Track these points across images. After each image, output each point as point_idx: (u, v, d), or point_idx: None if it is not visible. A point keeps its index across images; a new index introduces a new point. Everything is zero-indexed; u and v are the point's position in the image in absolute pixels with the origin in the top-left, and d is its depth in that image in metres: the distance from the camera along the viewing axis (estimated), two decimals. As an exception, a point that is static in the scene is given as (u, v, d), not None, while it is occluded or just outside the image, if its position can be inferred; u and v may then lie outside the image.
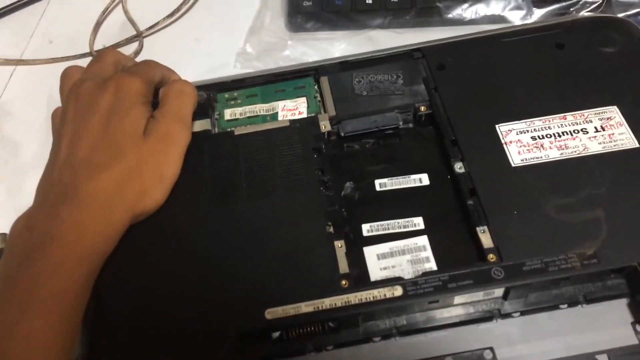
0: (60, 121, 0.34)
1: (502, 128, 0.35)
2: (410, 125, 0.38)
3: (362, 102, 0.38)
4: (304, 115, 0.38)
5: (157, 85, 0.37)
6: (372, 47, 0.45)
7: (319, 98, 0.39)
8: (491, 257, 0.30)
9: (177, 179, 0.34)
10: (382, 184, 0.35)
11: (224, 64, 0.46)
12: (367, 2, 0.45)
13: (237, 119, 0.39)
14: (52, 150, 0.34)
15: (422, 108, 0.37)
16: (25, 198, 0.33)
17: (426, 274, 0.30)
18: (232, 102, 0.40)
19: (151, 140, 0.33)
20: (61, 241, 0.29)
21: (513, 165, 0.33)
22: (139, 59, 0.47)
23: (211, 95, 0.40)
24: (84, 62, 0.47)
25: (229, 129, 0.38)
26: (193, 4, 0.50)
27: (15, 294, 0.28)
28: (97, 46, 0.48)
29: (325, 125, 0.37)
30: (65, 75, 0.36)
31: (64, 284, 0.28)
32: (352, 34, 0.46)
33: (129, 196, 0.31)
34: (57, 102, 0.36)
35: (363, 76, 0.40)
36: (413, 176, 0.35)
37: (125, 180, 0.32)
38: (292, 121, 0.38)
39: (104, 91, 0.33)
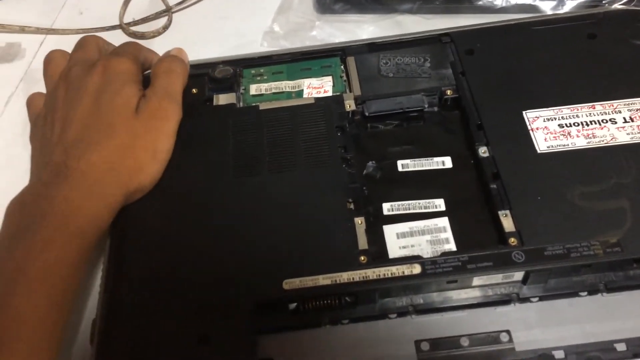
0: (48, 106, 0.35)
1: (529, 114, 0.35)
2: (435, 108, 0.38)
3: (388, 84, 0.38)
4: (329, 94, 0.38)
5: (142, 66, 0.38)
6: (400, 31, 0.45)
7: (344, 78, 0.39)
8: (512, 240, 0.30)
9: (201, 150, 0.35)
10: (405, 165, 0.35)
11: (250, 42, 0.46)
12: (397, -15, 0.45)
13: (262, 95, 0.39)
14: (37, 134, 0.35)
15: (448, 92, 0.37)
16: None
17: (445, 254, 0.30)
18: (258, 78, 0.40)
19: (143, 117, 0.34)
20: (52, 218, 0.29)
21: (539, 151, 0.33)
22: (167, 34, 0.48)
23: (237, 70, 0.40)
24: (114, 35, 0.48)
25: (254, 104, 0.38)
26: (222, -18, 0.50)
27: (5, 270, 0.28)
28: (127, 19, 0.49)
29: (350, 104, 0.37)
30: (49, 60, 0.38)
31: (53, 261, 0.28)
32: (380, 18, 0.46)
33: (122, 173, 0.32)
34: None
35: (390, 58, 0.39)
36: (436, 159, 0.35)
37: (118, 157, 0.32)
38: (317, 99, 0.38)
39: (92, 73, 0.34)
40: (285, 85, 0.39)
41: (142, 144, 0.33)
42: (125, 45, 0.38)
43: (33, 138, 0.37)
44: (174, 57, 0.38)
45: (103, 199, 0.31)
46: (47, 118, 0.34)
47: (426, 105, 0.37)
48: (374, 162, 0.36)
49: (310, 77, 0.39)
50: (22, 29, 0.48)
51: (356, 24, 0.46)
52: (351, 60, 0.40)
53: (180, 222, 0.33)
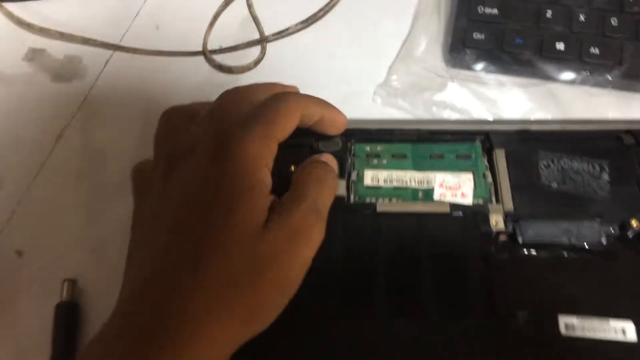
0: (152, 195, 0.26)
1: None
2: (616, 243, 0.28)
3: (550, 198, 0.29)
4: (469, 199, 0.29)
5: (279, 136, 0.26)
6: (555, 105, 0.35)
7: (489, 179, 0.30)
8: None
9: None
10: (569, 326, 0.26)
11: (358, 94, 0.37)
12: (557, 47, 0.35)
13: (379, 188, 0.30)
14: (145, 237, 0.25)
15: (634, 223, 0.28)
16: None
17: None
18: (375, 162, 0.31)
19: (275, 236, 0.23)
20: None
21: None
22: (258, 69, 0.39)
23: (349, 144, 0.31)
24: (194, 63, 0.40)
25: (368, 200, 0.29)
26: (329, 9, 0.41)
27: None
28: (212, 44, 0.40)
29: (497, 222, 0.28)
30: (167, 120, 0.28)
31: None
32: (529, 83, 0.36)
33: (235, 320, 0.22)
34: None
35: (553, 159, 0.30)
36: (613, 322, 0.26)
37: (229, 299, 0.22)
38: (454, 206, 0.29)
39: (211, 163, 0.24)
40: (411, 177, 0.30)
41: (270, 275, 0.23)
42: (252, 94, 0.27)
43: (140, 234, 0.26)
44: (325, 164, 0.28)
45: None
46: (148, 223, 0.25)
47: (604, 240, 0.28)
48: (525, 311, 0.27)
49: (444, 170, 0.30)
50: (85, 41, 0.40)
51: (499, 90, 0.36)
52: (501, 155, 0.30)
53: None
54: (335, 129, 0.29)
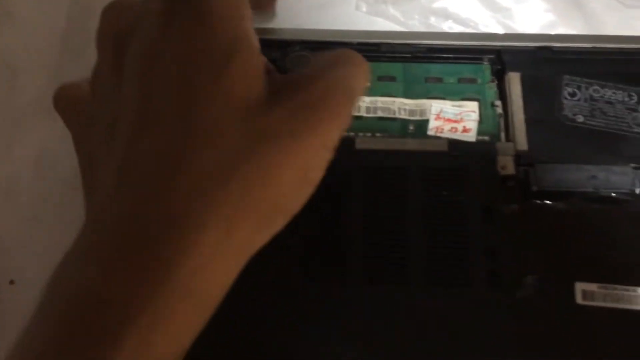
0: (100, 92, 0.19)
1: None
2: (646, 192, 0.23)
3: (574, 136, 0.23)
4: (472, 135, 0.23)
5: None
6: (582, 18, 0.28)
7: (499, 110, 0.24)
8: None
9: None
10: (588, 294, 0.21)
11: (339, 1, 0.30)
12: (590, -58, 0.28)
13: (360, 118, 0.24)
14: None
15: (677, 169, 0.22)
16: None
17: None
18: (356, 85, 0.25)
19: (287, 107, 0.17)
20: None
21: None
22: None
23: (323, 63, 0.25)
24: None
25: (346, 133, 0.23)
26: None
27: None
28: None
29: (506, 165, 0.22)
30: (110, 11, 0.20)
31: None
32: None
33: (250, 220, 0.16)
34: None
35: (580, 86, 0.24)
36: (642, 291, 0.21)
37: (230, 195, 0.16)
38: (453, 144, 0.23)
39: (169, 30, 0.17)
40: (400, 105, 0.24)
41: (289, 161, 0.17)
42: None
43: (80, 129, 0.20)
44: (362, 58, 0.20)
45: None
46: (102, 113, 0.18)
47: (638, 189, 0.22)
48: (534, 277, 0.22)
49: (442, 98, 0.24)
50: None
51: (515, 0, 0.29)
52: (515, 80, 0.24)
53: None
54: None
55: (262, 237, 0.17)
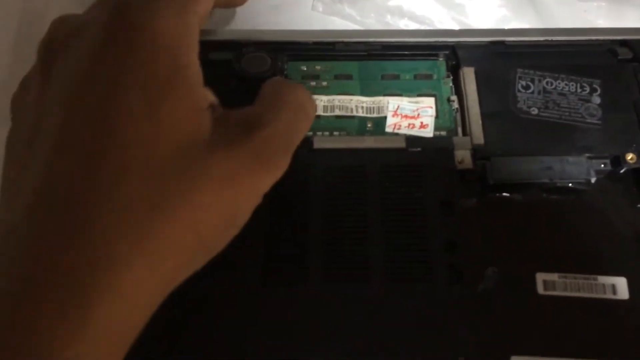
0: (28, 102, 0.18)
1: None
2: (607, 182, 0.23)
3: (529, 128, 0.23)
4: (429, 130, 0.23)
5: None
6: (534, 12, 0.29)
7: (455, 104, 0.24)
8: None
9: None
10: (549, 284, 0.21)
11: (296, 2, 0.30)
12: (540, -62, 0.28)
13: (318, 117, 0.24)
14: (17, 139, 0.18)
15: (630, 157, 0.22)
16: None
17: None
18: (313, 84, 0.24)
19: (230, 151, 0.17)
20: None
21: None
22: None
23: (280, 62, 0.24)
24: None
25: (303, 133, 0.23)
26: None
27: None
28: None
29: (463, 159, 0.22)
30: (56, 25, 0.19)
31: None
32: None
33: (168, 267, 0.16)
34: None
35: (533, 79, 0.24)
36: (602, 278, 0.21)
37: (153, 230, 0.16)
38: (410, 140, 0.23)
39: (106, 50, 0.17)
40: (358, 103, 0.24)
41: (219, 204, 0.17)
42: None
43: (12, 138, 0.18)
44: (308, 93, 0.20)
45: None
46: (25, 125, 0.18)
47: (593, 178, 0.22)
48: (494, 269, 0.22)
49: (399, 95, 0.24)
50: None
51: (467, -5, 0.29)
52: (469, 75, 0.24)
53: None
54: None
55: (183, 274, 0.17)
